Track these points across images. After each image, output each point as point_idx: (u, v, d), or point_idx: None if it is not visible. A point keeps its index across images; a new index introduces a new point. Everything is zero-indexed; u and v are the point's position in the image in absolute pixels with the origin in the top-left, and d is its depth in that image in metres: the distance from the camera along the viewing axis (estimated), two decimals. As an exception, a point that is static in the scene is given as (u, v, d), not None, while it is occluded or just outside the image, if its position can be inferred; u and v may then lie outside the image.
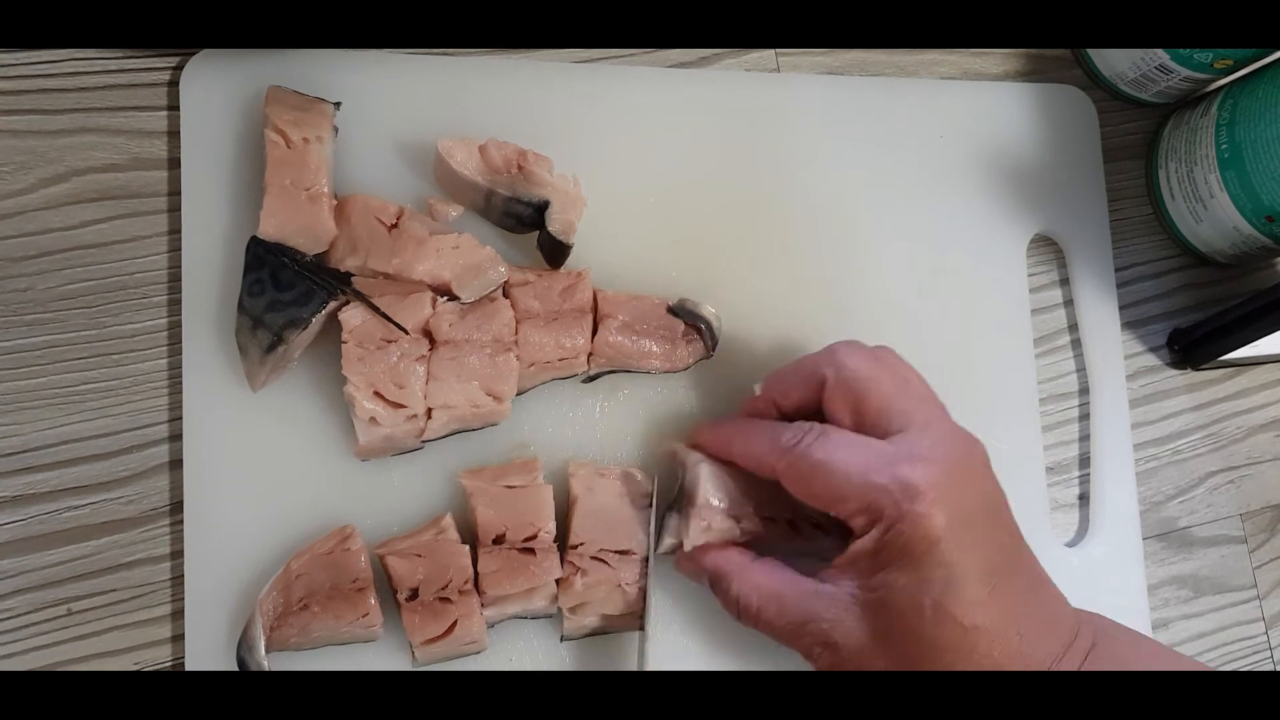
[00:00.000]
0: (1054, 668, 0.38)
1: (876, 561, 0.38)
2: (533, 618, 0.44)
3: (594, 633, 0.44)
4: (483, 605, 0.42)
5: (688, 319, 0.46)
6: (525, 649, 0.44)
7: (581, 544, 0.43)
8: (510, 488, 0.43)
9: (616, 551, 0.43)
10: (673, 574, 0.45)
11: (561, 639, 0.44)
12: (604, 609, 0.43)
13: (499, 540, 0.42)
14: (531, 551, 0.42)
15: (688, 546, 0.42)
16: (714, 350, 0.46)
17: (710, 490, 0.43)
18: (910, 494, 0.37)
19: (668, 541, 0.43)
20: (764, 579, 0.41)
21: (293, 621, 0.40)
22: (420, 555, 0.41)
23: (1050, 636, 0.38)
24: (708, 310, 0.46)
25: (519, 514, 0.42)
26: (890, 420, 0.40)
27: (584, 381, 0.46)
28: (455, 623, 0.41)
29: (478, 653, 0.43)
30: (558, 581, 0.42)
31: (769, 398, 0.44)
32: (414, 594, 0.41)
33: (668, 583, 0.45)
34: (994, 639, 0.37)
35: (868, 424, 0.40)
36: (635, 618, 0.44)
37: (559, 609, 0.43)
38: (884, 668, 0.38)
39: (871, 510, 0.38)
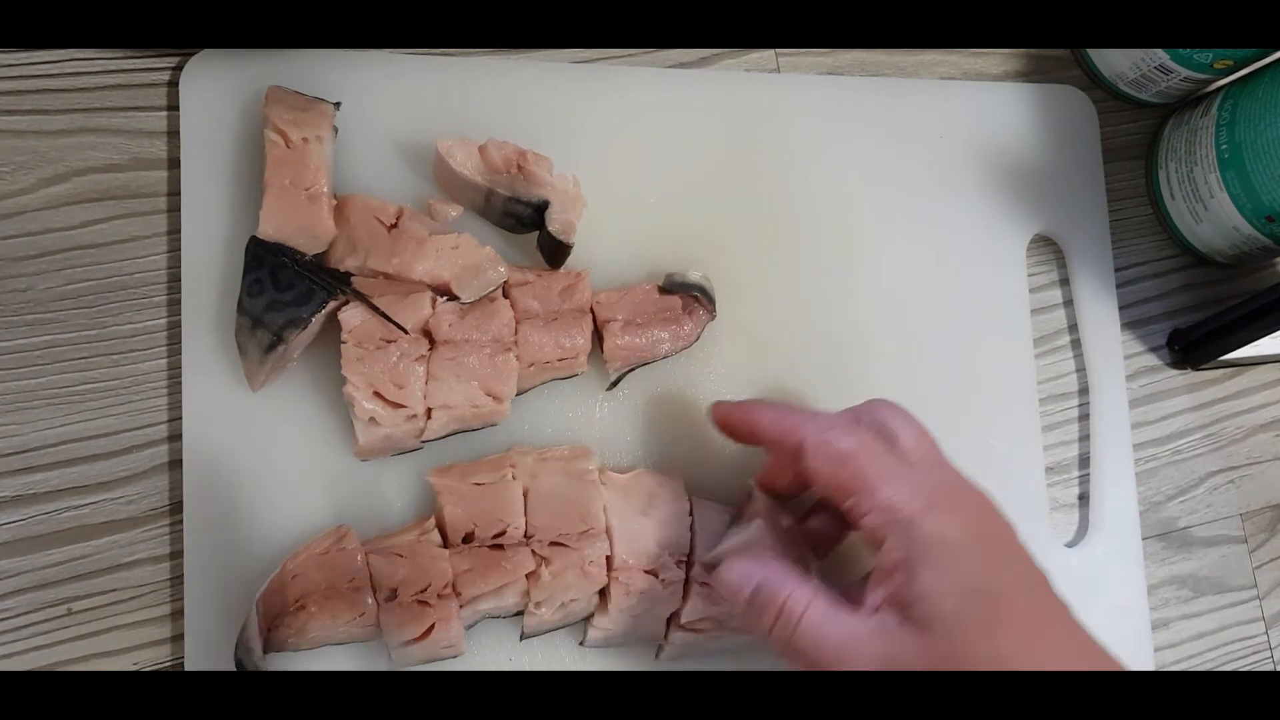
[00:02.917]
0: None
1: (907, 574, 0.37)
2: (504, 616, 0.43)
3: (554, 628, 0.44)
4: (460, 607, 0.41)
5: (681, 291, 0.46)
6: (508, 651, 0.44)
7: (536, 533, 0.42)
8: (479, 485, 0.42)
9: (575, 533, 0.42)
10: None
11: (521, 637, 0.44)
12: (568, 595, 0.42)
13: (468, 539, 0.42)
14: (501, 548, 0.42)
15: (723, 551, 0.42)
16: (715, 311, 0.47)
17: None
18: (930, 504, 0.37)
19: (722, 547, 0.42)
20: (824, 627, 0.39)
21: (290, 622, 0.40)
22: (401, 555, 0.41)
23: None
24: (695, 275, 0.47)
25: (487, 511, 0.42)
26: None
27: (608, 389, 0.47)
28: (433, 626, 0.40)
29: (454, 657, 0.42)
30: (527, 576, 0.42)
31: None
32: (393, 594, 0.40)
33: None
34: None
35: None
36: (595, 604, 0.43)
37: (528, 605, 0.42)
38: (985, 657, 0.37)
39: (888, 510, 0.38)
